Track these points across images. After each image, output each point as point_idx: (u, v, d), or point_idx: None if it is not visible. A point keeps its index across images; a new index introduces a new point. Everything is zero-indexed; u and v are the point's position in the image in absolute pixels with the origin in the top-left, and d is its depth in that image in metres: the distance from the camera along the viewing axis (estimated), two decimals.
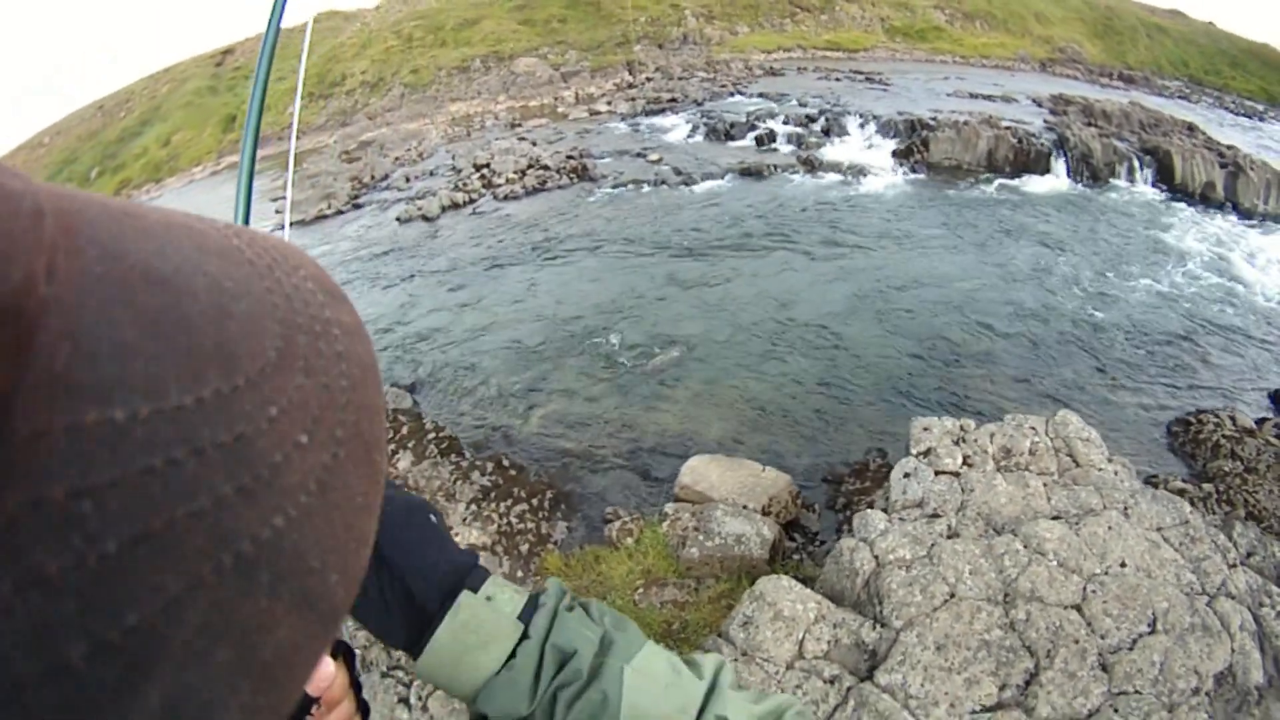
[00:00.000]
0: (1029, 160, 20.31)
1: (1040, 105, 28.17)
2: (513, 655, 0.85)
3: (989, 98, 29.41)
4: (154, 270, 0.30)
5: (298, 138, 40.95)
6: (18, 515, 0.24)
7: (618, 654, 0.88)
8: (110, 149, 54.27)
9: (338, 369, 0.37)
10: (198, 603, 0.28)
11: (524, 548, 7.52)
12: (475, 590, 0.87)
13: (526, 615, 0.88)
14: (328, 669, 0.74)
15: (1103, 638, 4.33)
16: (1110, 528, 5.08)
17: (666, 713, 0.86)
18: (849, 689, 4.18)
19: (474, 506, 8.16)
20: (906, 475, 6.10)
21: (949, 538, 5.24)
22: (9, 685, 0.23)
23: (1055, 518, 5.29)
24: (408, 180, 24.23)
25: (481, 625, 0.84)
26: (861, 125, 23.52)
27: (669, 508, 7.37)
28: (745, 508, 7.12)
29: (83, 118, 64.89)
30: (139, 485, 0.26)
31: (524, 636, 0.86)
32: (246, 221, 1.61)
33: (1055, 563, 4.82)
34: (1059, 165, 20.22)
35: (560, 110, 33.08)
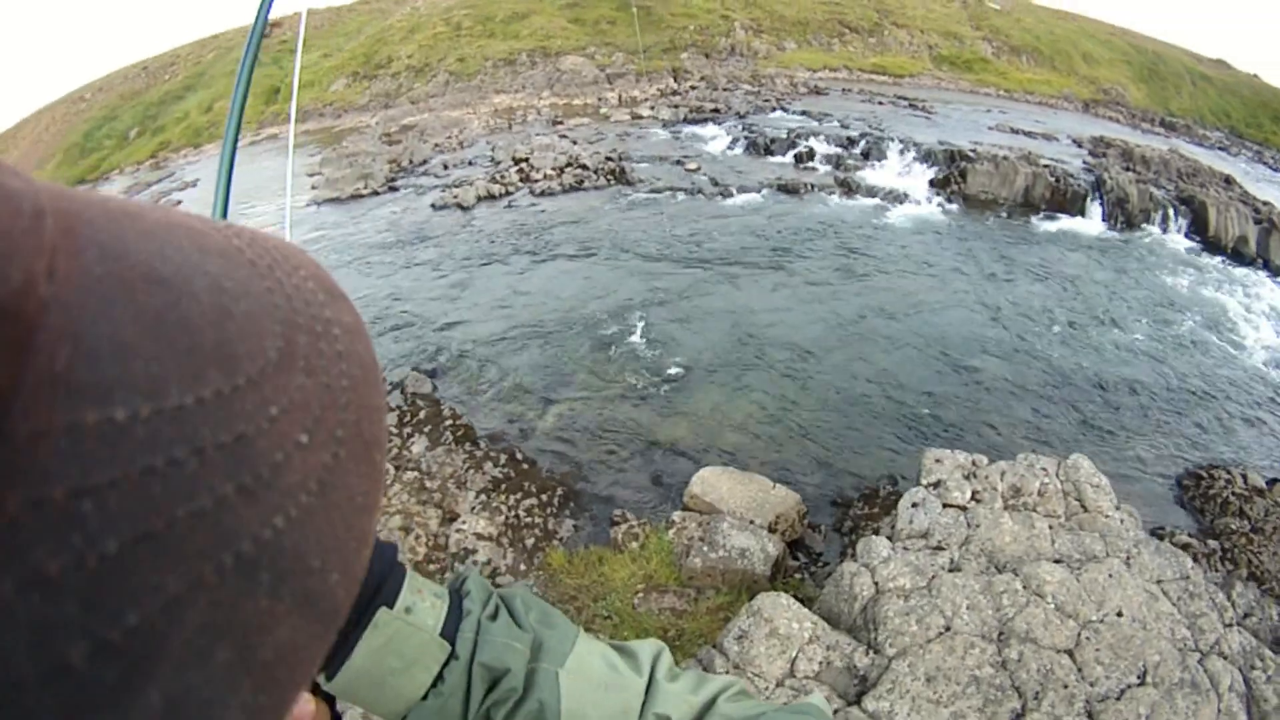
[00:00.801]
0: (1065, 200, 20.19)
1: (1080, 145, 27.90)
2: (440, 678, 0.83)
3: (1030, 134, 29.14)
4: (154, 270, 0.30)
5: (339, 115, 41.21)
6: (18, 515, 0.24)
7: (550, 657, 0.88)
8: (151, 110, 54.34)
9: (338, 369, 0.38)
10: (198, 603, 0.28)
11: (529, 541, 7.59)
12: (392, 604, 0.83)
13: (450, 628, 0.85)
14: (307, 708, 0.72)
15: (1092, 685, 4.36)
16: (1111, 575, 5.10)
17: (607, 717, 0.87)
18: (836, 711, 4.22)
19: (483, 496, 8.24)
20: (914, 505, 6.14)
21: (950, 571, 5.28)
22: (9, 685, 0.23)
23: (1057, 561, 5.32)
24: (446, 167, 24.28)
25: (403, 646, 0.82)
26: (901, 151, 23.34)
27: (676, 515, 7.45)
28: (752, 522, 7.15)
29: (126, 76, 65.04)
30: (140, 485, 0.26)
31: (451, 656, 0.84)
32: (225, 215, 1.66)
33: (1053, 605, 4.85)
34: (1094, 208, 20.04)
35: (603, 111, 33.06)
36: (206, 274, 0.32)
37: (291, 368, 0.34)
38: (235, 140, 1.78)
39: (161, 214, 0.34)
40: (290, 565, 0.32)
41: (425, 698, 0.82)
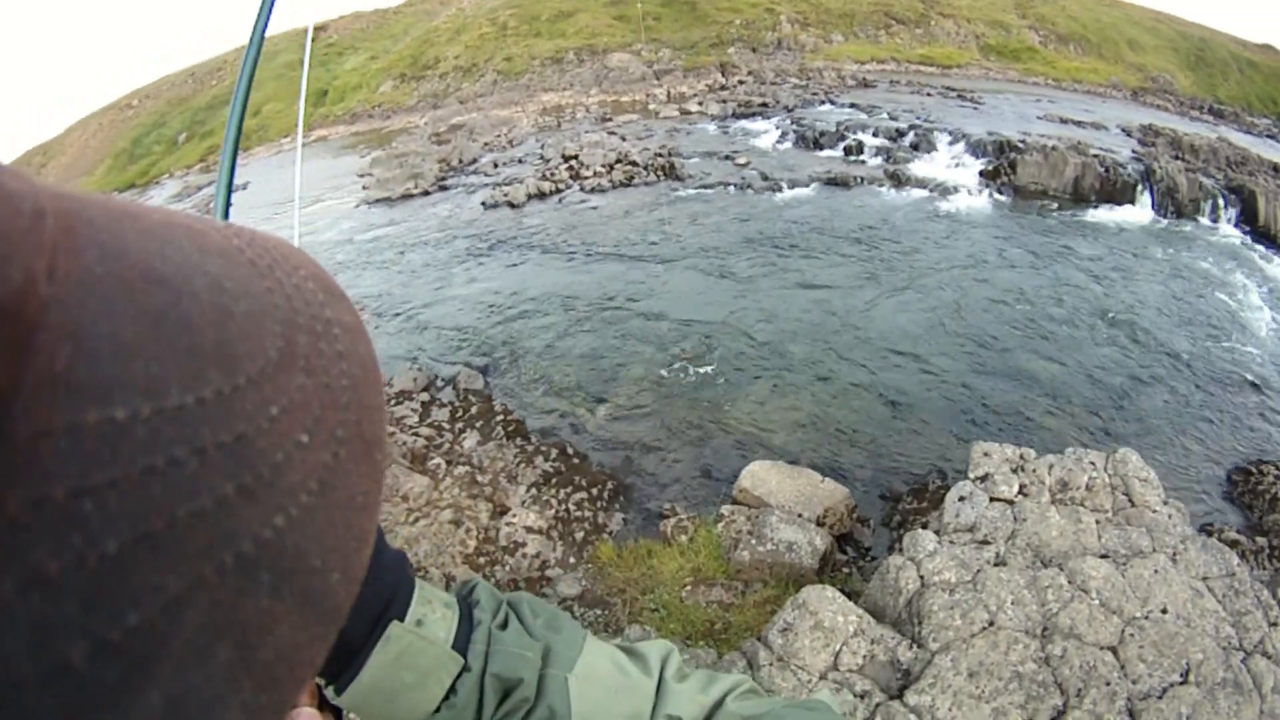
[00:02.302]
0: (1114, 190, 19.84)
1: (1129, 135, 27.37)
2: (452, 690, 0.82)
3: (1079, 123, 28.62)
4: (155, 270, 0.31)
5: (388, 116, 41.59)
6: (19, 515, 0.24)
7: (559, 663, 0.87)
8: (200, 115, 55.43)
9: (339, 368, 0.38)
10: (199, 602, 0.28)
11: (579, 535, 7.70)
12: (403, 617, 0.81)
13: (462, 640, 0.84)
14: None
15: (1134, 683, 4.36)
16: (1156, 571, 5.07)
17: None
18: (878, 705, 4.27)
19: (534, 490, 8.37)
20: (961, 499, 6.13)
21: (995, 565, 5.29)
22: (9, 685, 0.23)
23: (1103, 556, 5.29)
24: (495, 166, 24.53)
25: (416, 660, 0.80)
26: (951, 143, 23.15)
27: (725, 509, 7.50)
28: (800, 516, 7.19)
29: (173, 83, 66.37)
30: (140, 485, 0.27)
31: (463, 668, 0.83)
32: (226, 216, 1.74)
33: (1097, 601, 4.84)
34: (1144, 197, 19.66)
35: (651, 108, 33.11)
36: (206, 274, 0.33)
37: (292, 367, 0.35)
38: (235, 145, 1.82)
39: (161, 214, 0.35)
40: (291, 565, 0.33)
41: (438, 710, 0.82)
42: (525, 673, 0.84)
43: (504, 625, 0.88)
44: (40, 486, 0.24)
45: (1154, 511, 5.82)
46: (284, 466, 0.32)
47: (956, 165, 21.92)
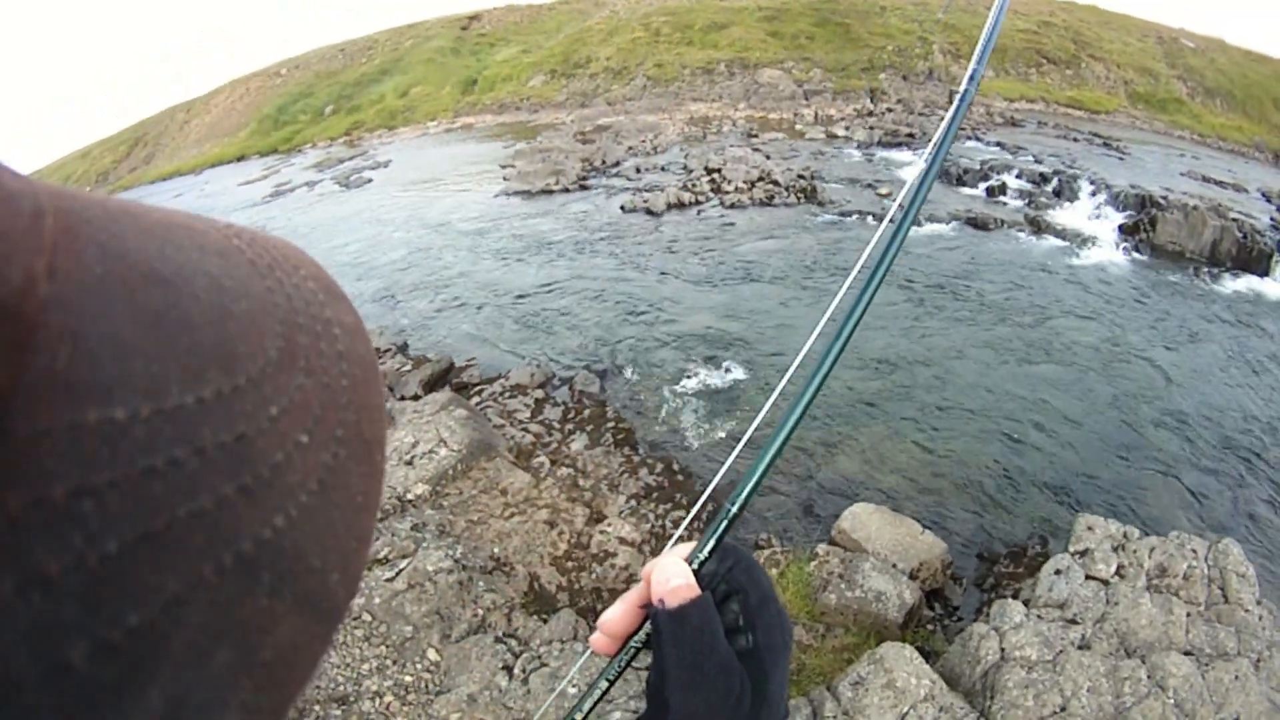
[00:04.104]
0: (1250, 258, 18.64)
1: (1270, 200, 25.84)
2: None
3: (1219, 183, 27.19)
4: (154, 270, 0.31)
5: (535, 110, 42.35)
6: (19, 515, 0.24)
7: None
8: (347, 90, 57.26)
9: (339, 368, 0.38)
10: (199, 602, 0.28)
11: None
12: None
13: None
14: None
15: None
16: (1237, 678, 4.97)
17: None
18: None
19: (633, 502, 8.43)
20: (1057, 572, 6.09)
21: (1079, 648, 5.25)
22: (10, 686, 0.23)
23: (1187, 653, 5.21)
24: (638, 171, 24.72)
25: None
26: (1093, 192, 22.30)
27: (820, 548, 7.40)
28: (894, 566, 7.07)
29: (323, 56, 68.54)
30: (140, 485, 0.27)
31: None
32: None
33: (1173, 701, 4.77)
34: (1279, 269, 18.77)
35: (798, 128, 32.89)
36: (206, 273, 0.33)
37: (292, 367, 0.35)
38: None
39: (161, 214, 0.35)
40: (290, 565, 0.33)
41: None
42: None
43: None
44: (40, 486, 0.25)
45: (1246, 610, 5.69)
46: (284, 467, 0.33)
47: (1098, 216, 21.16)
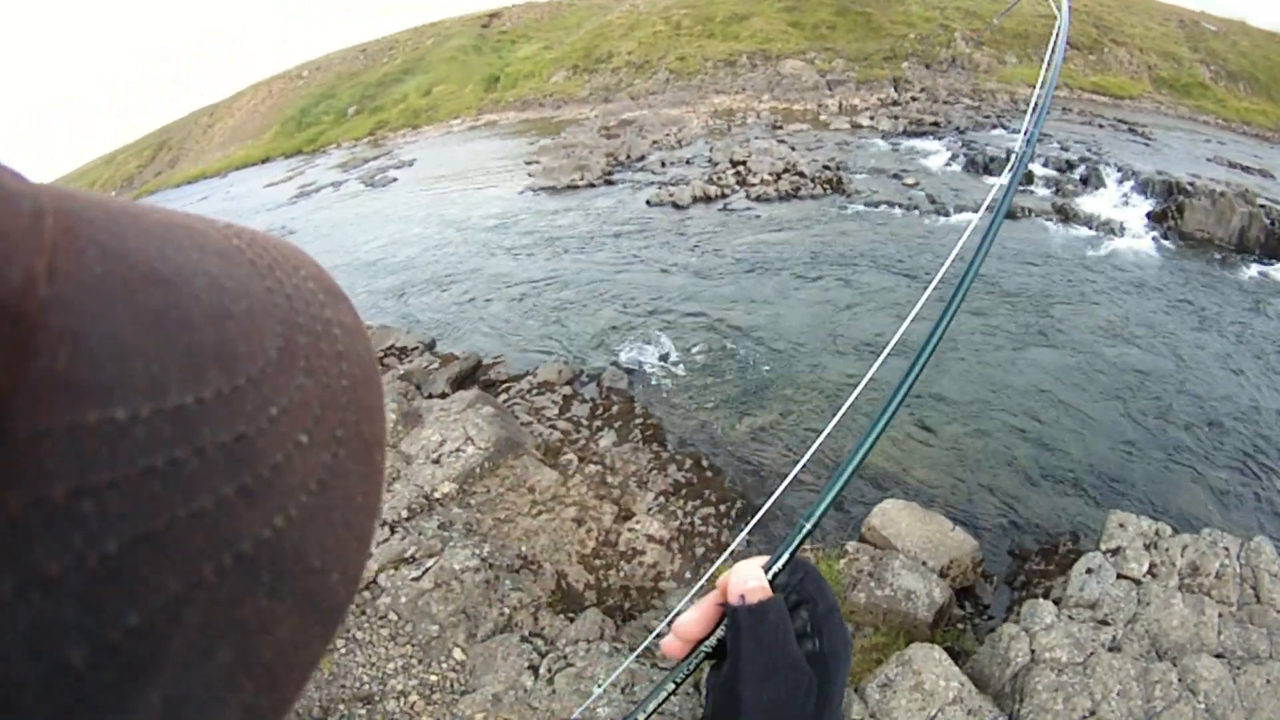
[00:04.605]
0: (1277, 245, 18.61)
1: None
2: None
3: (1246, 169, 26.76)
4: (155, 270, 0.31)
5: (559, 106, 42.49)
6: (19, 515, 0.24)
7: None
8: (370, 90, 57.29)
9: (338, 369, 0.38)
10: (199, 603, 0.29)
11: (699, 550, 7.67)
12: None
13: None
14: None
15: None
16: (1269, 682, 4.90)
17: None
18: None
19: (662, 499, 8.38)
20: (1089, 571, 6.04)
21: (1110, 650, 5.21)
22: (9, 686, 0.23)
23: (1219, 655, 5.14)
24: (663, 165, 24.68)
25: None
26: (1120, 180, 22.06)
27: (850, 545, 7.35)
28: (924, 564, 7.00)
29: (344, 57, 68.53)
30: (140, 485, 0.27)
31: None
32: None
33: (1203, 706, 4.71)
34: None
35: (822, 118, 32.65)
36: (206, 274, 0.33)
37: (292, 367, 0.35)
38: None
39: (162, 214, 0.35)
40: (290, 565, 0.33)
41: None
42: None
43: None
44: (40, 486, 0.24)
45: (1278, 611, 5.59)
46: (284, 467, 0.33)
47: (1125, 204, 20.89)
